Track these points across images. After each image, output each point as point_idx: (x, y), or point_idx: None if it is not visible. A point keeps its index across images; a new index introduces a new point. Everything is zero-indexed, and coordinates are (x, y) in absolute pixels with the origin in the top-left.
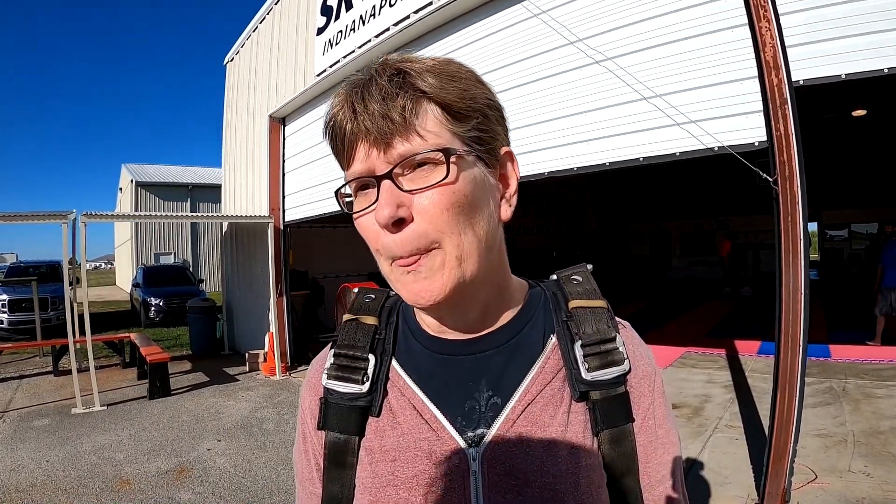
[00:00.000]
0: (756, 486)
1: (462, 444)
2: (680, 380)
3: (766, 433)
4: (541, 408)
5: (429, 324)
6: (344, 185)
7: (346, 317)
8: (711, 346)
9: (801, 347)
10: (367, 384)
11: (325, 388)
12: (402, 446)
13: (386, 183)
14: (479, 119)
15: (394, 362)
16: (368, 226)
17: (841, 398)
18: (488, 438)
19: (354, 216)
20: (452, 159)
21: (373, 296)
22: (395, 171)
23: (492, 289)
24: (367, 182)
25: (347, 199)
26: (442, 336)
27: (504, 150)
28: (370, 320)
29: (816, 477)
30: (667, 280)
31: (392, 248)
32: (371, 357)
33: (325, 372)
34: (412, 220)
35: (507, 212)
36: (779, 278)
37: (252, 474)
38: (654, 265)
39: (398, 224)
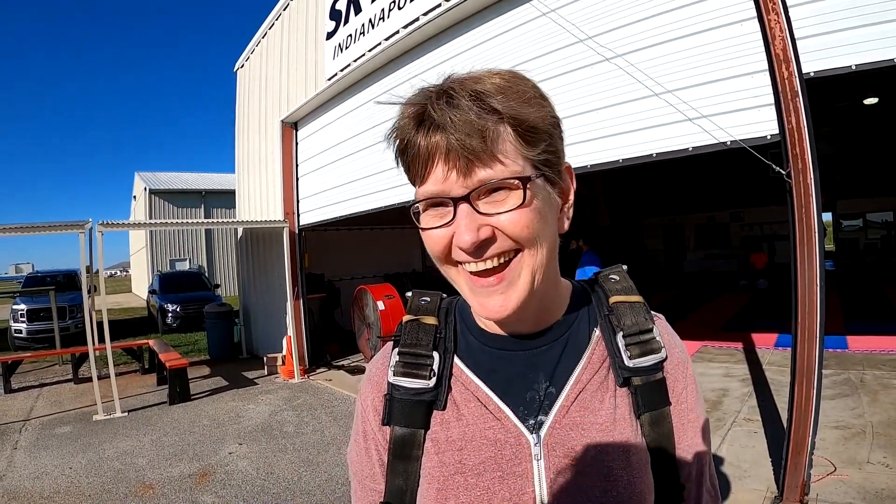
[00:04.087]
0: (775, 479)
1: (524, 431)
2: (698, 374)
3: (785, 426)
4: (591, 394)
5: (487, 323)
6: (417, 203)
7: (406, 318)
8: (728, 339)
9: (817, 339)
10: (434, 380)
11: (391, 384)
12: (468, 436)
13: (465, 207)
14: (547, 141)
15: (456, 359)
16: (438, 239)
17: (859, 389)
18: (547, 424)
19: (425, 230)
20: (528, 186)
21: (428, 298)
22: (472, 194)
23: (547, 292)
24: (441, 201)
25: (415, 212)
26: (500, 333)
27: (565, 165)
28: (430, 320)
29: (835, 469)
30: (681, 273)
31: (468, 259)
32: (435, 354)
33: (391, 369)
34: (492, 237)
35: (566, 224)
36: (794, 271)
37: (274, 477)
38: (669, 259)
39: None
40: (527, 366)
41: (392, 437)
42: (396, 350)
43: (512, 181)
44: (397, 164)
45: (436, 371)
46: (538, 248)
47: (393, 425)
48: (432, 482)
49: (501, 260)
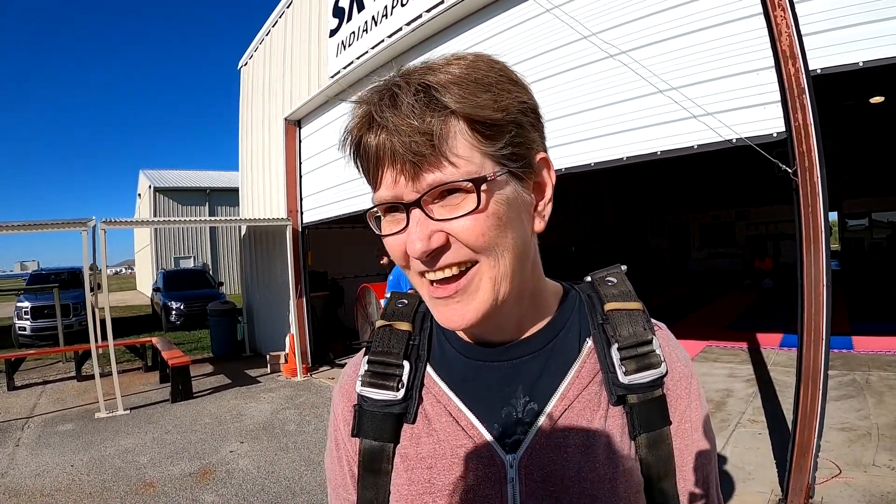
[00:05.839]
0: (780, 481)
1: (499, 450)
2: (702, 374)
3: (790, 427)
4: (578, 413)
5: (464, 331)
6: (373, 208)
7: (379, 323)
8: (733, 339)
9: (823, 340)
10: (402, 391)
11: (359, 395)
12: (439, 453)
13: (416, 213)
14: (512, 133)
15: (428, 368)
16: (397, 246)
17: (864, 391)
18: (525, 444)
19: (383, 237)
20: (483, 187)
21: (405, 301)
22: (423, 198)
23: (524, 300)
24: (396, 205)
25: (377, 216)
26: (477, 343)
27: (539, 156)
28: (404, 326)
29: (841, 471)
30: (686, 272)
31: (425, 268)
32: (405, 364)
33: (360, 379)
34: (446, 245)
35: (540, 225)
36: (800, 270)
37: (275, 476)
38: (673, 258)
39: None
40: (504, 378)
41: (361, 450)
42: (366, 358)
43: (465, 183)
44: (355, 168)
45: (405, 382)
46: (499, 255)
47: (362, 437)
48: (401, 500)
49: (460, 269)
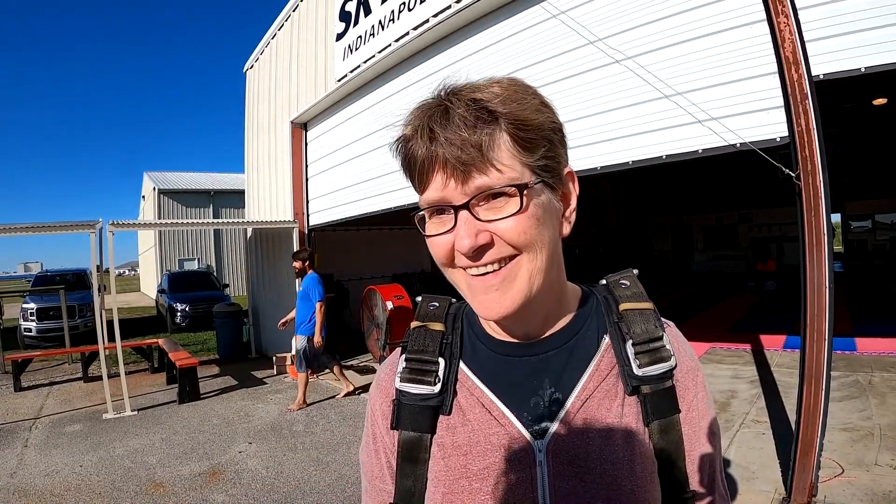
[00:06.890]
0: (783, 481)
1: (528, 437)
2: (706, 375)
3: (793, 427)
4: (598, 402)
5: (494, 328)
6: (420, 211)
7: (413, 324)
8: (737, 340)
9: (826, 341)
10: (439, 385)
11: (397, 390)
12: (473, 441)
13: (464, 214)
14: (545, 147)
15: (461, 364)
16: (441, 245)
17: (867, 391)
18: (552, 431)
19: (428, 237)
20: (525, 193)
21: (436, 304)
22: (471, 201)
23: (552, 298)
24: (443, 208)
25: (419, 219)
26: (506, 339)
27: (566, 170)
28: (437, 326)
29: (843, 471)
30: (689, 274)
31: (469, 263)
32: (441, 360)
33: (398, 375)
34: (490, 243)
35: (567, 229)
36: (803, 273)
37: (284, 476)
38: (677, 260)
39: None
40: (532, 371)
41: (400, 441)
42: (403, 356)
43: (509, 188)
44: (403, 173)
45: (441, 377)
46: (536, 252)
47: (400, 430)
48: (438, 485)
49: (500, 266)
